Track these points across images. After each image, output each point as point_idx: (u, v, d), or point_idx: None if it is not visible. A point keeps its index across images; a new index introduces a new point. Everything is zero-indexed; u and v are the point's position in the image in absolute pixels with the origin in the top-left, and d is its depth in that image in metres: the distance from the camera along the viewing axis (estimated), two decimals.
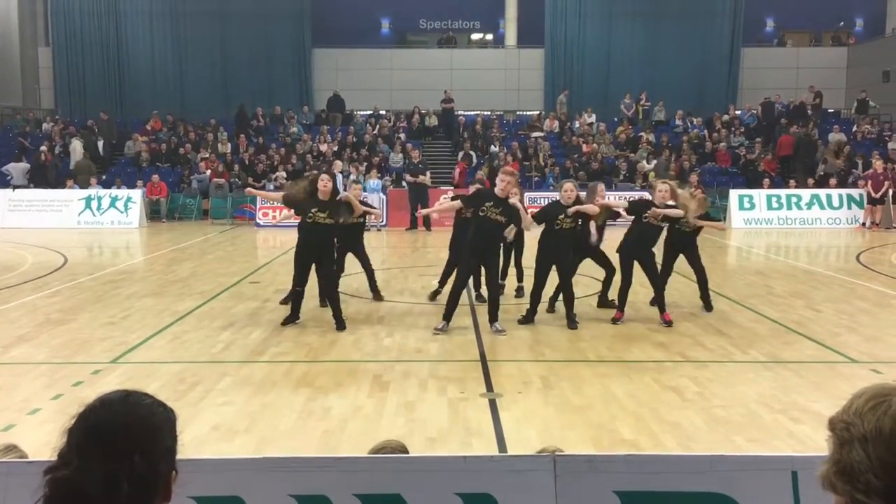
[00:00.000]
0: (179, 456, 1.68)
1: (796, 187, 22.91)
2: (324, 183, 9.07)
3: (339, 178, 21.34)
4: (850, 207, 21.88)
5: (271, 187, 23.17)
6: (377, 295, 11.00)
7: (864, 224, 21.42)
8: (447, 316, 9.17)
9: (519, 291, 11.13)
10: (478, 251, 9.15)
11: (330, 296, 9.54)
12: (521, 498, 2.19)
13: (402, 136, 26.89)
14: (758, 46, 31.55)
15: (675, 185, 9.90)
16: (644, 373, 7.47)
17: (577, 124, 27.56)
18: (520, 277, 11.22)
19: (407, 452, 2.81)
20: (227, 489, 2.21)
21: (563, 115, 28.21)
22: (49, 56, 30.64)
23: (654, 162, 24.00)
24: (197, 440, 5.47)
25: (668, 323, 9.40)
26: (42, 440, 5.12)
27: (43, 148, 24.74)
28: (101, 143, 26.13)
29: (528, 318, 9.54)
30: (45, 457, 1.67)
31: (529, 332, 9.11)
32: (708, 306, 10.27)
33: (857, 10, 33.04)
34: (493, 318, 9.18)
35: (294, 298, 9.47)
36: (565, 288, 9.45)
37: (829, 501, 1.47)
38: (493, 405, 6.53)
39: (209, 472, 2.21)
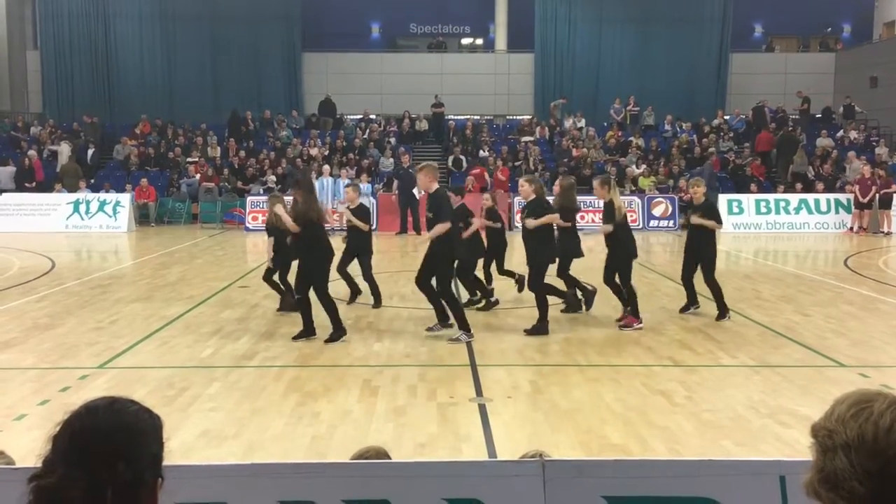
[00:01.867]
0: (166, 462, 1.67)
1: (784, 192, 23.02)
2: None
3: (329, 181, 21.27)
4: (837, 212, 22.01)
5: (260, 191, 23.13)
6: (377, 301, 10.97)
7: (851, 228, 21.54)
8: (462, 325, 8.91)
9: (521, 285, 10.78)
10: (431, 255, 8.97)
11: (326, 305, 8.91)
12: (510, 503, 2.19)
13: (393, 140, 26.88)
14: (746, 52, 31.70)
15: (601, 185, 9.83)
16: (633, 377, 7.49)
17: (566, 125, 27.61)
18: (517, 279, 11.03)
19: (389, 458, 2.80)
20: (215, 496, 2.19)
21: (554, 119, 28.25)
22: (37, 59, 30.42)
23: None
24: (185, 446, 5.45)
25: (626, 326, 9.44)
26: (28, 446, 5.08)
27: (31, 152, 24.59)
28: (90, 149, 25.93)
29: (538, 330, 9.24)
30: (33, 463, 1.66)
31: (519, 337, 9.11)
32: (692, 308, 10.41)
33: (845, 15, 33.25)
34: (440, 321, 9.10)
35: (301, 309, 8.89)
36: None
37: None
38: (482, 410, 6.53)
39: (196, 478, 2.20)
